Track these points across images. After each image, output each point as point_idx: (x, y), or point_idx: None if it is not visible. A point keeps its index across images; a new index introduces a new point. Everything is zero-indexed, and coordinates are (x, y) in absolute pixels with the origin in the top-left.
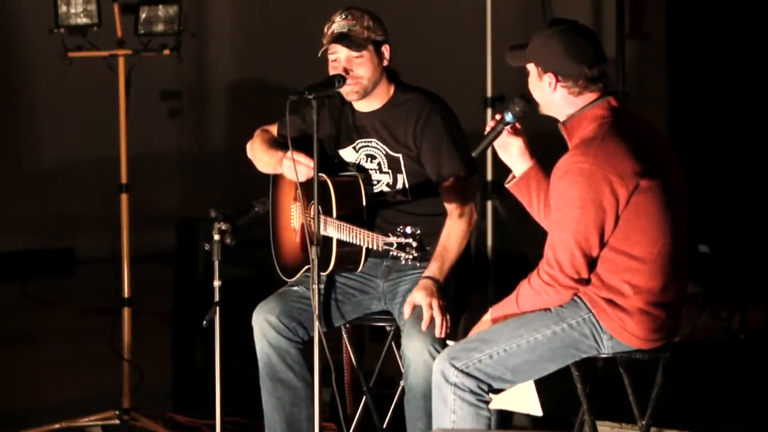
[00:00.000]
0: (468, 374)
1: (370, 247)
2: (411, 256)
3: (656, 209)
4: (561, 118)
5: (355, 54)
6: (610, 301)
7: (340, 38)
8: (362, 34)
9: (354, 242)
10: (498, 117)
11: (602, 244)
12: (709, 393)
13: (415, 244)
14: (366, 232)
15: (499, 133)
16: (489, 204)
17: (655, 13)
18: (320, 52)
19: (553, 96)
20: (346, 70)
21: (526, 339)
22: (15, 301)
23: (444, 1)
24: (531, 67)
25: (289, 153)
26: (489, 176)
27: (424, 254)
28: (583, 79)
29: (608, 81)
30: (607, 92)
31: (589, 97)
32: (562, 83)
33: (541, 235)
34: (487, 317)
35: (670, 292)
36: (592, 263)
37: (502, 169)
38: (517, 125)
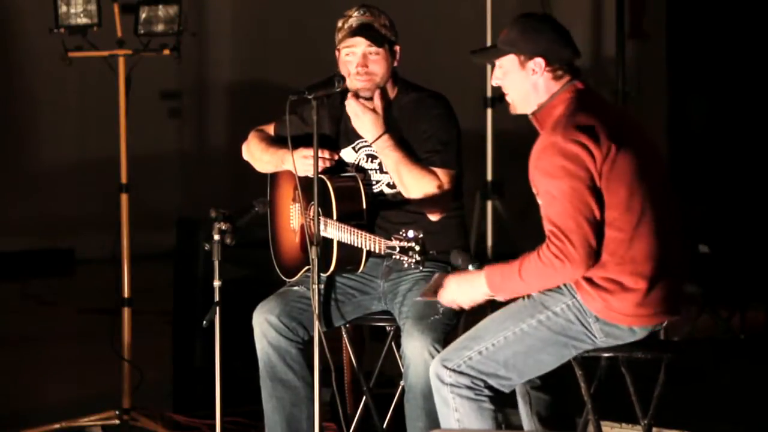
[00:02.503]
0: (461, 372)
1: (372, 249)
2: (414, 260)
3: (630, 178)
4: (532, 109)
5: (373, 49)
6: (589, 280)
7: (363, 29)
8: (379, 31)
9: (355, 244)
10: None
11: (600, 206)
12: (709, 393)
13: (417, 248)
14: (368, 234)
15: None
16: (489, 204)
17: (655, 13)
18: (338, 44)
19: (537, 82)
20: (361, 65)
21: (512, 331)
22: (15, 301)
23: (444, 1)
24: (507, 60)
25: (300, 150)
26: (489, 176)
27: (427, 258)
28: (568, 65)
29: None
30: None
31: (564, 81)
32: (549, 67)
33: (540, 234)
34: (478, 277)
35: (654, 265)
36: (599, 233)
37: (502, 169)
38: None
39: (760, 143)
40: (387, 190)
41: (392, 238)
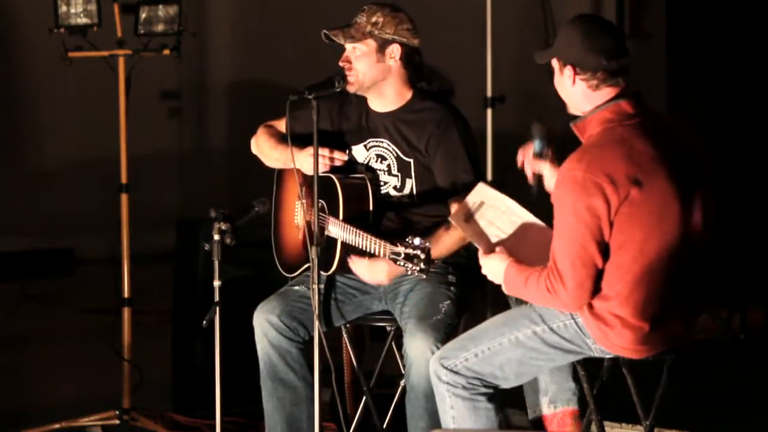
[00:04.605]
0: (457, 372)
1: (377, 253)
2: (418, 268)
3: (650, 220)
4: (578, 114)
5: (351, 46)
6: (591, 308)
7: (340, 26)
8: (364, 28)
9: (360, 247)
10: (525, 151)
11: (605, 254)
12: (709, 393)
13: (423, 257)
14: (373, 237)
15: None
16: None
17: (655, 13)
18: (323, 34)
19: (574, 90)
20: (343, 60)
21: (507, 337)
22: (15, 301)
23: (444, 1)
24: (553, 63)
25: (308, 149)
26: (489, 176)
27: (431, 267)
28: (601, 72)
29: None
30: (624, 91)
31: (607, 93)
32: (580, 76)
33: None
34: (501, 263)
35: (660, 306)
36: (598, 275)
37: (502, 169)
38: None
39: (760, 143)
40: (393, 193)
41: (398, 244)
